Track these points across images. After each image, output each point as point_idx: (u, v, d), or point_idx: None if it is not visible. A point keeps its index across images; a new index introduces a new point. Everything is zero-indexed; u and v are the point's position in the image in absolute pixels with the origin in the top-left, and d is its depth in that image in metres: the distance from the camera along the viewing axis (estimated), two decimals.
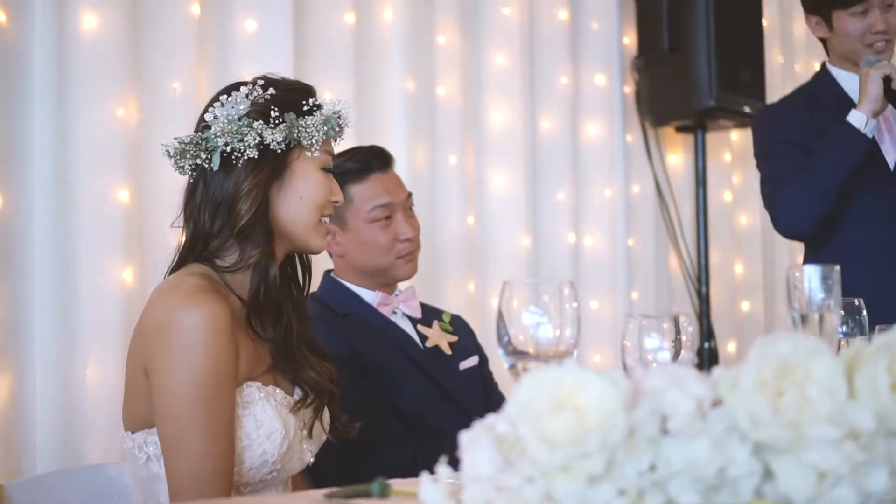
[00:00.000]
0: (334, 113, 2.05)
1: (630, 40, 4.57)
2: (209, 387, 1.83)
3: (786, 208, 3.11)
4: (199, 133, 1.98)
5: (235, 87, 2.04)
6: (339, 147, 2.26)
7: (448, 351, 2.83)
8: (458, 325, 2.94)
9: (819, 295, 1.51)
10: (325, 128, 2.02)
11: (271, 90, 2.01)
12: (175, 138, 1.99)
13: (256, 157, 1.96)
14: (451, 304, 3.51)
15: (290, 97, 2.03)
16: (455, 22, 3.86)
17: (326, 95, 3.33)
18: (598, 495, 1.07)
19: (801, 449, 1.07)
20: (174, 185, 2.84)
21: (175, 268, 2.02)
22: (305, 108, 2.02)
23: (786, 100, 3.39)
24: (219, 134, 1.95)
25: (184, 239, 2.03)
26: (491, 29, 3.99)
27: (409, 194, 2.85)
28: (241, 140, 1.95)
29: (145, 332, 1.90)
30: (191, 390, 1.82)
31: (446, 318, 2.90)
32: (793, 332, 1.28)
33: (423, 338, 2.82)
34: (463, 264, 3.80)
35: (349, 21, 3.45)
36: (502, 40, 4.00)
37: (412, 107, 3.64)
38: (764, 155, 3.25)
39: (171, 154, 1.99)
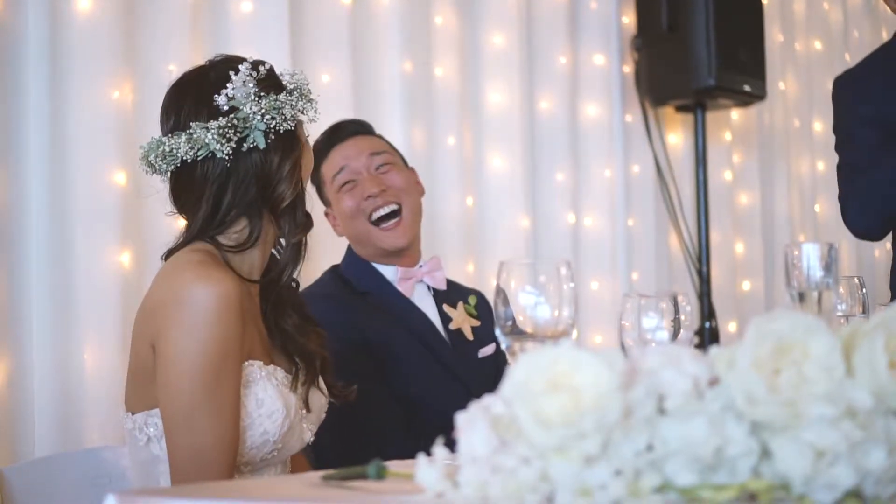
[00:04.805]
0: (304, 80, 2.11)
1: (629, 19, 4.55)
2: (217, 362, 1.82)
3: (851, 205, 2.86)
4: (229, 116, 1.94)
5: (217, 69, 2.02)
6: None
7: (470, 336, 2.81)
8: (482, 307, 2.91)
9: (818, 273, 1.50)
10: (308, 88, 2.08)
11: (266, 65, 2.03)
12: (201, 126, 1.93)
13: (292, 129, 1.99)
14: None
15: (273, 68, 2.07)
16: (452, 2, 3.84)
17: (324, 77, 3.34)
18: (595, 476, 1.06)
19: (799, 427, 1.07)
20: None
21: (181, 245, 2.00)
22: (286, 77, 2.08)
23: (860, 66, 3.06)
24: (257, 112, 1.94)
25: (194, 222, 2.00)
26: (489, 9, 3.97)
27: (377, 153, 2.82)
28: (280, 113, 1.97)
29: (154, 309, 1.90)
30: (199, 365, 1.81)
31: (472, 302, 2.88)
32: (790, 310, 1.28)
33: (447, 318, 2.80)
34: (462, 245, 3.79)
35: (346, 2, 3.43)
36: (500, 20, 3.98)
37: (410, 88, 3.63)
38: (838, 138, 3.00)
39: (210, 143, 1.92)
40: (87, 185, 2.70)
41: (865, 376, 1.11)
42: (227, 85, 1.96)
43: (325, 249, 3.05)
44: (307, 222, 2.07)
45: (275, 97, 1.97)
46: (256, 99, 1.95)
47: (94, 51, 2.74)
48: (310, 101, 2.05)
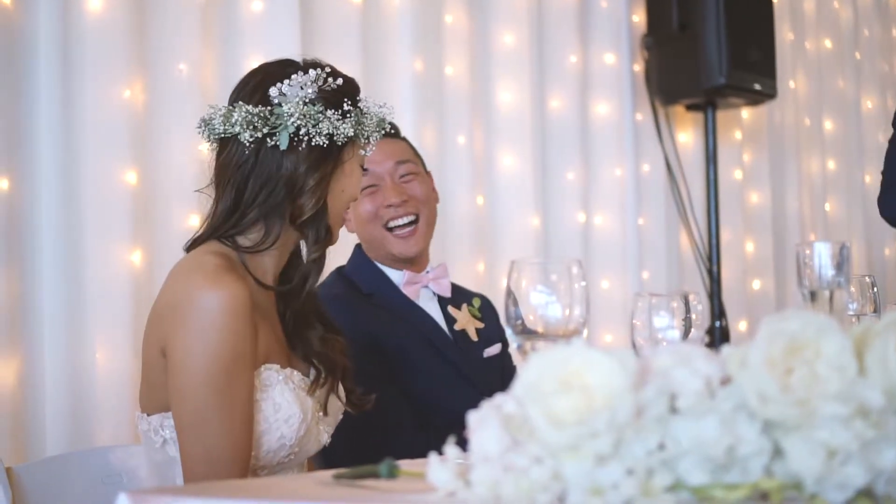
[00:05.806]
0: (384, 116, 2.07)
1: (639, 18, 4.55)
2: (226, 367, 1.81)
3: (888, 197, 2.99)
4: (267, 107, 1.93)
5: (294, 66, 2.00)
6: None
7: (474, 337, 2.81)
8: (486, 310, 2.91)
9: (829, 272, 1.49)
10: (380, 126, 2.04)
11: (339, 80, 1.99)
12: (237, 105, 1.93)
13: (325, 145, 1.94)
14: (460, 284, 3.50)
15: (353, 91, 2.03)
16: (463, 1, 3.84)
17: None
18: (607, 475, 1.06)
19: (811, 427, 1.07)
20: (182, 166, 2.86)
21: (200, 238, 1.99)
22: (361, 103, 2.02)
23: None
24: (292, 113, 1.92)
25: (218, 208, 1.98)
26: (499, 7, 3.97)
27: (403, 161, 2.79)
28: (316, 125, 1.93)
29: (163, 312, 1.89)
30: (208, 370, 1.81)
31: (476, 304, 2.88)
32: (802, 309, 1.27)
33: (452, 320, 2.80)
34: (472, 244, 3.79)
35: (356, 1, 3.44)
36: (511, 19, 3.98)
37: (420, 87, 3.63)
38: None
39: (237, 122, 1.92)
40: (97, 185, 2.71)
41: (878, 375, 1.10)
42: (285, 81, 1.95)
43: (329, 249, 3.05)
44: (328, 239, 2.03)
45: (321, 109, 1.94)
46: (302, 104, 1.93)
47: (105, 50, 2.74)
48: (364, 135, 2.02)
